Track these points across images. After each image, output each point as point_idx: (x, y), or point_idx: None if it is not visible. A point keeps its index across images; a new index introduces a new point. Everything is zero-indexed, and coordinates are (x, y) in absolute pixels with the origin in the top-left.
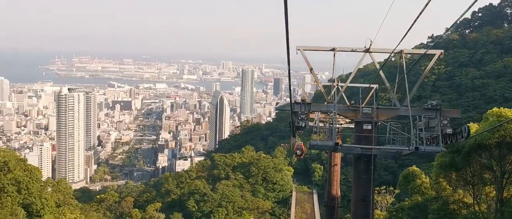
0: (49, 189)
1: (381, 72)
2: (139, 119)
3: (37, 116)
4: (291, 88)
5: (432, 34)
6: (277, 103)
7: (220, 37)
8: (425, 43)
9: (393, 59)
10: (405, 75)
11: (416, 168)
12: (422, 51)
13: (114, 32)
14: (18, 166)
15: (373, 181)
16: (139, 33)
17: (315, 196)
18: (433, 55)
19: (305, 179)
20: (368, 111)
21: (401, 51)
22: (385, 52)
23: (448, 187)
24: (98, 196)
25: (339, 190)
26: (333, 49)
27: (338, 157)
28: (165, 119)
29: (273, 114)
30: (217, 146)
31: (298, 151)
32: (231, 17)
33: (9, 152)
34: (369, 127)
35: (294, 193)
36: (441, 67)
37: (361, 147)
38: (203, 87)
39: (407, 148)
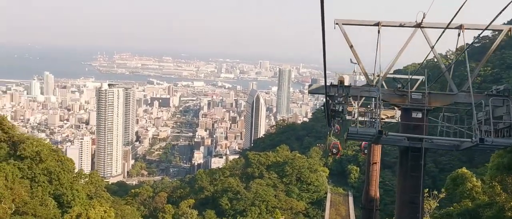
0: (82, 181)
1: (435, 51)
2: (176, 116)
3: (79, 110)
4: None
5: (478, 35)
6: (309, 87)
7: (258, 37)
8: (470, 43)
9: (434, 59)
10: (466, 52)
11: (466, 170)
12: (486, 25)
13: (154, 30)
14: (51, 157)
15: (423, 180)
16: (178, 32)
17: (351, 199)
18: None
19: (341, 181)
20: (418, 96)
21: (460, 26)
22: (440, 27)
23: (503, 192)
24: (132, 190)
25: (378, 191)
26: (377, 24)
27: (377, 154)
28: (202, 117)
29: (309, 115)
30: (252, 144)
31: (334, 150)
32: (269, 17)
33: (42, 142)
34: (420, 115)
35: (329, 195)
36: (487, 68)
37: (410, 136)
38: (240, 86)
39: (469, 140)
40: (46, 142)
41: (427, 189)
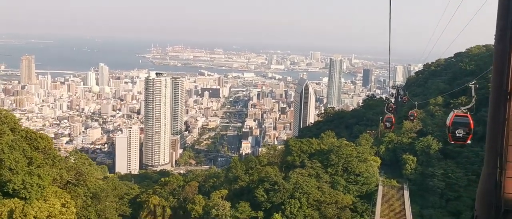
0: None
1: None
2: (226, 106)
3: (132, 100)
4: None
5: None
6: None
7: (309, 28)
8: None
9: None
10: None
11: None
12: None
13: (207, 24)
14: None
15: None
16: (230, 25)
17: (406, 193)
18: None
19: (394, 172)
20: None
21: None
22: None
23: None
24: (162, 179)
25: None
26: None
27: None
28: (251, 107)
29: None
30: (299, 133)
31: (387, 123)
32: (320, 9)
33: None
34: None
35: (380, 188)
36: None
37: None
38: (290, 77)
39: None
40: (10, 113)
41: None
